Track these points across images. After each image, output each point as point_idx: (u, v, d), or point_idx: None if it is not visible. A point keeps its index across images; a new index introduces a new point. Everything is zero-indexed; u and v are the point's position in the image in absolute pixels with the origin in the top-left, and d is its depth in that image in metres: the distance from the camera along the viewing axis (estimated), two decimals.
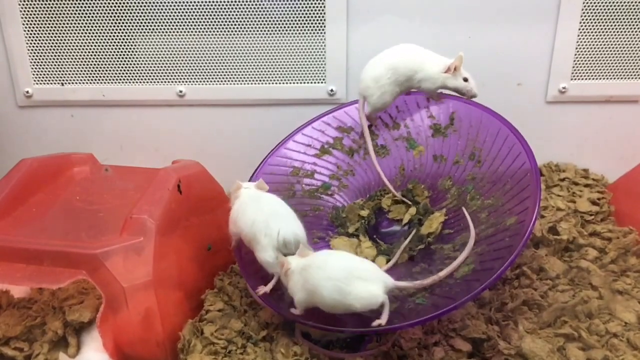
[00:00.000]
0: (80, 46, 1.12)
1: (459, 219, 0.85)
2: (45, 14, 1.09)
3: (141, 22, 1.10)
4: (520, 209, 0.75)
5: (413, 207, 0.92)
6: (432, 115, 0.97)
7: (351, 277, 0.67)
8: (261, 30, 1.10)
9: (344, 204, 0.96)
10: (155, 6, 1.08)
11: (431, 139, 0.96)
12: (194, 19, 1.09)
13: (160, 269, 0.75)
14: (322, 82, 1.14)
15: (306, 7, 1.08)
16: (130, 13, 1.09)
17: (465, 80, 0.90)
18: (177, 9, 1.09)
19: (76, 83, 1.14)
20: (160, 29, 1.10)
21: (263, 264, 0.76)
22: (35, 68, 1.13)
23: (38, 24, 1.10)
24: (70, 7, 1.09)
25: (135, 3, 1.08)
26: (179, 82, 1.14)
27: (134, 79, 1.14)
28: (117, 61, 1.12)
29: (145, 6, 1.08)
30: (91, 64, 1.13)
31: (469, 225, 0.78)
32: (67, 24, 1.10)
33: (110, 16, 1.09)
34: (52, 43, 1.11)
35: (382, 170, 0.94)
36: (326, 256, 0.72)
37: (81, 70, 1.13)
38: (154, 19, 1.10)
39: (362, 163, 0.98)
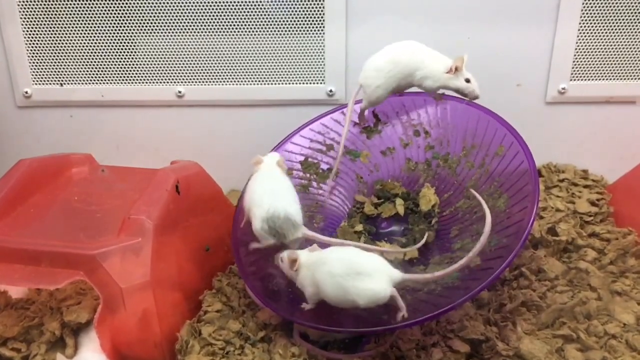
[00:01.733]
0: (80, 46, 1.12)
1: (448, 179, 0.87)
2: (44, 14, 1.09)
3: (140, 23, 1.10)
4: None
5: (398, 198, 0.92)
6: (356, 122, 0.98)
7: (352, 273, 0.68)
8: (260, 31, 1.10)
9: (334, 232, 0.95)
10: (155, 7, 1.08)
11: (369, 141, 0.98)
12: (193, 19, 1.09)
13: (158, 270, 0.75)
14: (321, 83, 1.14)
15: (305, 7, 1.08)
16: (130, 13, 1.09)
17: (468, 81, 0.89)
18: (176, 10, 1.09)
19: (75, 83, 1.14)
20: (160, 29, 1.10)
21: (255, 232, 0.78)
22: (34, 68, 1.13)
23: (37, 24, 1.10)
24: (69, 7, 1.09)
25: (134, 3, 1.08)
26: (178, 82, 1.14)
27: (133, 80, 1.14)
28: (116, 61, 1.12)
29: (144, 7, 1.08)
30: (90, 64, 1.13)
31: (475, 194, 0.77)
32: (66, 24, 1.10)
33: (110, 17, 1.09)
34: (51, 43, 1.11)
35: (340, 188, 0.96)
36: (331, 252, 0.72)
37: (80, 71, 1.13)
38: (153, 20, 1.09)
39: (320, 191, 0.97)
